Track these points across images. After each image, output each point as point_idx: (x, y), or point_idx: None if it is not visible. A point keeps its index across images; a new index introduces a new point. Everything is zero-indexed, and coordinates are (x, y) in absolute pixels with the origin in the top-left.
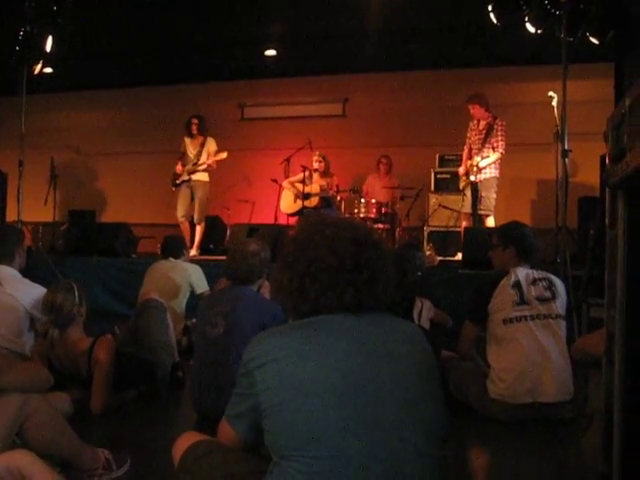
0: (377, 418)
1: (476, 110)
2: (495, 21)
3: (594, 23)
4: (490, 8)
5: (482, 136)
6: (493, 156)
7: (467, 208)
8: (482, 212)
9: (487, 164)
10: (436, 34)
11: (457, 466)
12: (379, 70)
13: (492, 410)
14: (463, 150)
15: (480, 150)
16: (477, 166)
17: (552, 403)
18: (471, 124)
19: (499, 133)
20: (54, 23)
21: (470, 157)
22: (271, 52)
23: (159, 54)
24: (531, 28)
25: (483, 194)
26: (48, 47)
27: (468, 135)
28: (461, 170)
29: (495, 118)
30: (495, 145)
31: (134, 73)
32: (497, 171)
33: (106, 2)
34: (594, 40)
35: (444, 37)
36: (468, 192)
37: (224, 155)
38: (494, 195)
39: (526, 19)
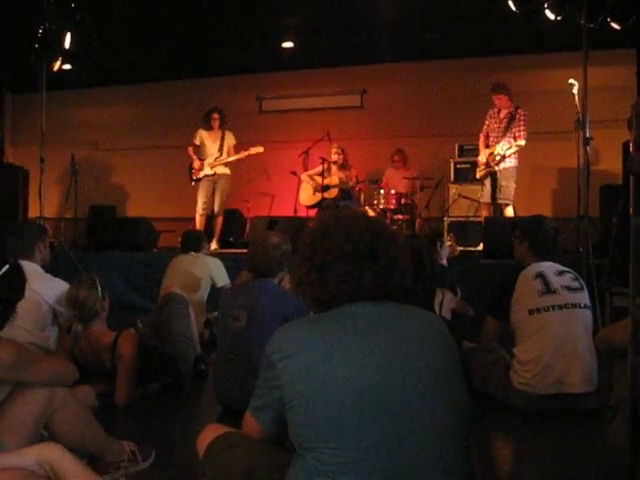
0: (401, 409)
1: (501, 100)
2: (514, 8)
3: (615, 8)
4: None
5: (503, 125)
6: (519, 143)
7: (486, 198)
8: (501, 201)
9: (512, 153)
10: (454, 22)
11: (480, 456)
12: (397, 60)
13: (515, 400)
14: (479, 138)
15: (501, 139)
16: (501, 155)
17: (577, 394)
18: (491, 111)
19: (522, 123)
20: (72, 20)
21: (487, 145)
22: (288, 44)
23: (176, 48)
24: (551, 15)
25: (503, 183)
26: (67, 44)
27: (487, 123)
28: (481, 159)
29: (517, 108)
30: (517, 135)
31: (152, 68)
32: (517, 161)
33: None
34: (615, 26)
35: (462, 25)
36: (487, 182)
37: (261, 149)
38: (513, 184)
39: (545, 5)
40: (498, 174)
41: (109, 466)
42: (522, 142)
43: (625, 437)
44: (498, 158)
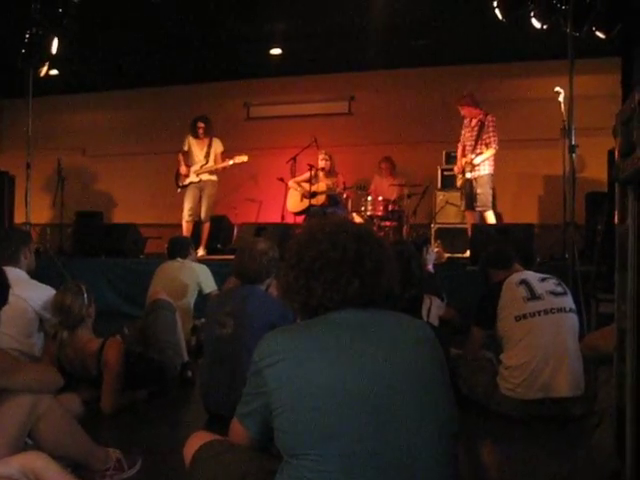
0: (388, 416)
1: (466, 110)
2: (500, 17)
3: (600, 17)
4: (495, 4)
5: (474, 133)
6: (487, 152)
7: (464, 205)
8: (479, 209)
9: (482, 160)
10: (441, 30)
11: (466, 462)
12: (385, 67)
13: (502, 406)
14: (457, 148)
15: (473, 147)
16: (472, 163)
17: (564, 399)
18: (465, 121)
19: (490, 129)
20: (59, 25)
21: (464, 155)
22: (276, 51)
23: (164, 55)
24: (537, 23)
25: (479, 191)
26: (54, 49)
27: (462, 132)
28: (456, 168)
29: (486, 115)
30: (488, 142)
31: (139, 74)
32: (491, 168)
33: (111, 3)
34: (600, 34)
35: (450, 33)
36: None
37: (245, 158)
38: (490, 191)
39: (531, 14)
40: (473, 182)
41: (95, 474)
42: (491, 150)
43: (610, 443)
44: (469, 167)
